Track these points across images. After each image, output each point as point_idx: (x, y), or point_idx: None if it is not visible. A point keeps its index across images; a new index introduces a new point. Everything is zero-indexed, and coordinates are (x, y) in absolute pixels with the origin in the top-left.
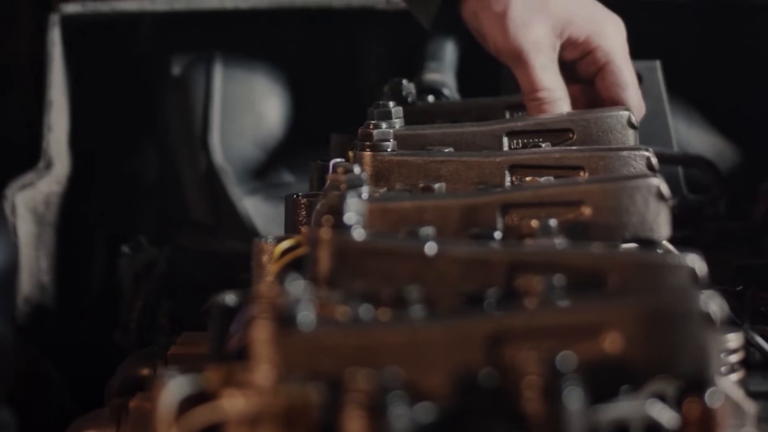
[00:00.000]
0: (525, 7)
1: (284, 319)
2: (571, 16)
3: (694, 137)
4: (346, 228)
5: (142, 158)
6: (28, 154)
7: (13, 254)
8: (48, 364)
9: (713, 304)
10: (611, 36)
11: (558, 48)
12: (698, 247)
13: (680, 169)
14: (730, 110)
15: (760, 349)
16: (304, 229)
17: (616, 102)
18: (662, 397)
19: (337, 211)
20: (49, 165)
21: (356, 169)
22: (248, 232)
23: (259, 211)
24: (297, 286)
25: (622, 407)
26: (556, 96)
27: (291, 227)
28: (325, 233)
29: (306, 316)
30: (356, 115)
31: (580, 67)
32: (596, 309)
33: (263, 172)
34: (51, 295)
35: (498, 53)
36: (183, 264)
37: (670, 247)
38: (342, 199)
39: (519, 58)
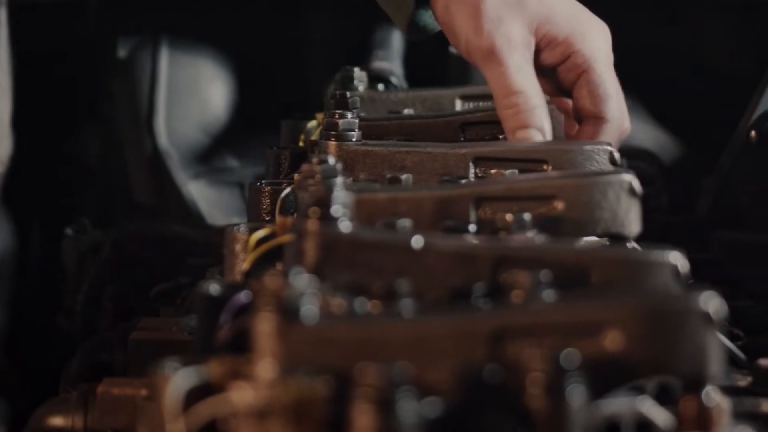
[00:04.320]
0: (500, 1)
1: (288, 313)
2: (550, 14)
3: (637, 130)
4: (333, 220)
5: (85, 141)
6: None
7: (11, 243)
8: None
9: (713, 303)
10: (594, 41)
11: (533, 47)
12: (643, 240)
13: (624, 162)
14: (673, 104)
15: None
16: (281, 218)
17: (594, 115)
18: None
19: (323, 203)
20: None
21: (331, 160)
22: (193, 217)
23: (204, 195)
24: (301, 279)
25: (614, 404)
26: (533, 103)
27: (254, 215)
28: (312, 225)
29: (310, 309)
30: (302, 101)
31: (560, 75)
32: (599, 307)
33: (208, 157)
34: None
35: (468, 52)
36: (128, 247)
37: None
38: (329, 191)
39: (490, 56)
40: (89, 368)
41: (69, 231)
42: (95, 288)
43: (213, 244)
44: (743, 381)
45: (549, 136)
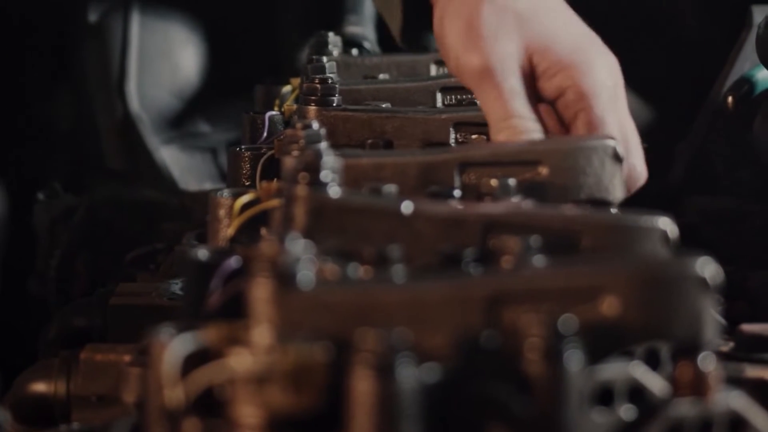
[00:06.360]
0: (497, 18)
1: (285, 278)
2: (551, 42)
3: None
4: (322, 185)
5: (56, 105)
6: None
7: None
8: None
9: (709, 269)
10: (596, 75)
11: (529, 73)
12: (618, 206)
13: None
14: (645, 70)
15: None
16: (265, 184)
17: None
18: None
19: (313, 168)
20: None
21: (314, 125)
22: (165, 182)
23: (176, 160)
24: (296, 245)
25: (608, 370)
26: (531, 127)
27: (233, 180)
28: (302, 190)
29: (306, 275)
30: (273, 66)
31: (558, 110)
32: (596, 273)
33: (180, 122)
34: None
35: (458, 70)
36: (100, 212)
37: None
38: (318, 156)
39: (484, 77)
40: (67, 334)
41: (41, 196)
42: (68, 253)
43: (186, 209)
44: (724, 347)
45: None
